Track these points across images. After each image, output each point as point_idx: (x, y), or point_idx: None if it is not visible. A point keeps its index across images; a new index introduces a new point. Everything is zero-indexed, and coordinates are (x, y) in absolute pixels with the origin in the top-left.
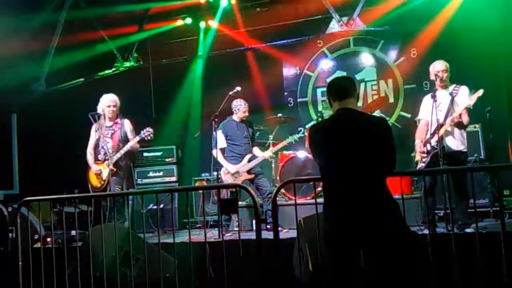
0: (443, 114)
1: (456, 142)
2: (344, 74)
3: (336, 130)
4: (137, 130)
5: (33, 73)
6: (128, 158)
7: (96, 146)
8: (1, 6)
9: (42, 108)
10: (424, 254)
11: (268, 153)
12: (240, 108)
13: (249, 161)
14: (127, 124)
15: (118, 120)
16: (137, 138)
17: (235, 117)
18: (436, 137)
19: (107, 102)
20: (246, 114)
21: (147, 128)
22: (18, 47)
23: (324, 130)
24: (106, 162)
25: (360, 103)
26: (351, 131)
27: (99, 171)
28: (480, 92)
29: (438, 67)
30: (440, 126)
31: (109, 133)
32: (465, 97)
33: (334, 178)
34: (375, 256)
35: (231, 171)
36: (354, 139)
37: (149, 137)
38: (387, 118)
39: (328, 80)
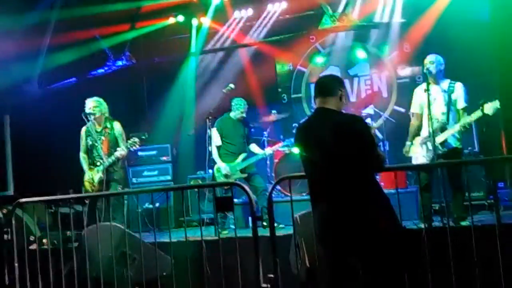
0: (439, 112)
1: (454, 140)
2: (337, 69)
3: (310, 130)
4: (130, 129)
5: (25, 73)
6: (119, 163)
7: (90, 151)
8: None
9: (35, 109)
10: (420, 248)
11: (268, 150)
12: (239, 108)
13: (243, 160)
14: (116, 128)
15: (108, 124)
16: (124, 149)
17: (232, 114)
18: (439, 139)
19: (88, 107)
20: (244, 115)
21: (133, 139)
22: (10, 47)
23: (301, 129)
24: (97, 168)
25: (354, 99)
26: (323, 131)
27: (91, 179)
28: (497, 103)
29: (425, 60)
30: (442, 126)
31: (101, 138)
32: (461, 95)
33: (313, 177)
34: (362, 256)
35: (222, 171)
36: (325, 139)
37: (135, 147)
38: (381, 113)
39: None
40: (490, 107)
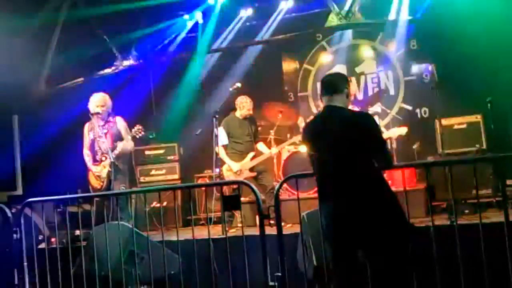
0: None
1: None
2: (344, 67)
3: (321, 128)
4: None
5: (33, 73)
6: (125, 157)
7: (92, 146)
8: (0, 7)
9: (43, 108)
10: (427, 245)
11: (275, 150)
12: (245, 106)
13: (252, 159)
14: (119, 122)
15: (111, 119)
16: (129, 137)
17: (238, 114)
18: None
19: (95, 102)
20: (251, 112)
21: (137, 126)
22: (18, 47)
23: (311, 127)
24: (103, 163)
25: (360, 97)
26: (332, 128)
27: (99, 174)
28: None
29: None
30: None
31: (103, 133)
32: None
33: (322, 175)
34: (371, 251)
35: (233, 169)
36: (335, 136)
37: (140, 134)
38: (388, 111)
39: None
40: None
